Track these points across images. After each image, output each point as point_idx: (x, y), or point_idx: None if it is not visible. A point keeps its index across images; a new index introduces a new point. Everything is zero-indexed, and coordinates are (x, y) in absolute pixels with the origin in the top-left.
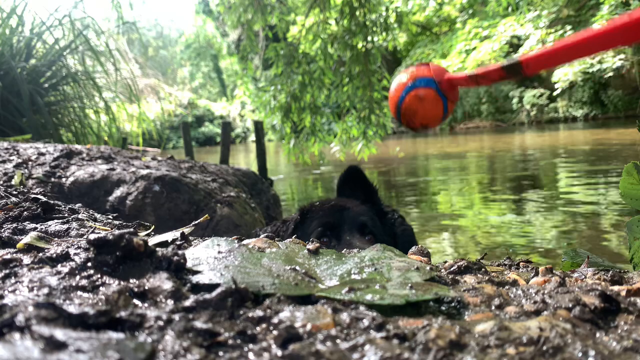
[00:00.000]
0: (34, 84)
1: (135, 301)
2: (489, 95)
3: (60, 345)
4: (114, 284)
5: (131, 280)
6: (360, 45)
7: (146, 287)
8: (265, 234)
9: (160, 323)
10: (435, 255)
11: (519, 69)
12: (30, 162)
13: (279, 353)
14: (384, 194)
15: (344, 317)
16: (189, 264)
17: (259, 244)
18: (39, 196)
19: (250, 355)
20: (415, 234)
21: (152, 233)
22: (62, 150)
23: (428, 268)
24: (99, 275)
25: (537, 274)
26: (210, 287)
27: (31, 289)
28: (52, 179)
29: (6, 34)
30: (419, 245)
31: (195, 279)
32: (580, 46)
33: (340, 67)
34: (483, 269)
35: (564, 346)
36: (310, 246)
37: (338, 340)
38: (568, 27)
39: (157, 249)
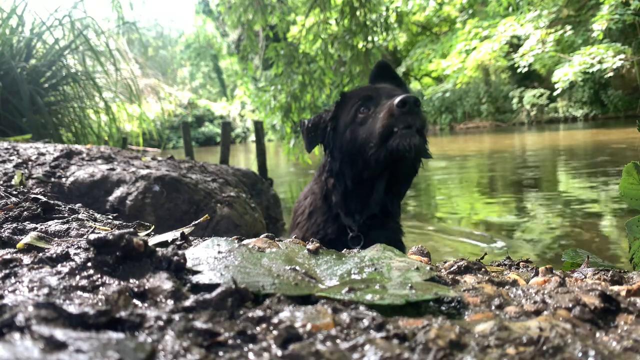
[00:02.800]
0: (34, 84)
1: (135, 301)
2: (489, 95)
3: (60, 345)
4: (114, 284)
5: (131, 280)
6: (360, 45)
7: (146, 287)
8: (265, 234)
9: (160, 323)
10: (435, 255)
11: None
12: (30, 162)
13: (279, 353)
14: None
15: (344, 317)
16: (189, 264)
17: (259, 244)
18: (39, 196)
19: (250, 355)
20: (415, 233)
21: (152, 233)
22: (62, 150)
23: (428, 268)
24: (99, 275)
25: (537, 274)
26: (210, 287)
27: (31, 289)
28: (52, 179)
29: (6, 34)
30: (419, 245)
31: (195, 279)
32: None
33: (341, 67)
34: (483, 269)
35: (564, 346)
36: (310, 246)
37: (338, 340)
38: (568, 27)
39: (157, 249)
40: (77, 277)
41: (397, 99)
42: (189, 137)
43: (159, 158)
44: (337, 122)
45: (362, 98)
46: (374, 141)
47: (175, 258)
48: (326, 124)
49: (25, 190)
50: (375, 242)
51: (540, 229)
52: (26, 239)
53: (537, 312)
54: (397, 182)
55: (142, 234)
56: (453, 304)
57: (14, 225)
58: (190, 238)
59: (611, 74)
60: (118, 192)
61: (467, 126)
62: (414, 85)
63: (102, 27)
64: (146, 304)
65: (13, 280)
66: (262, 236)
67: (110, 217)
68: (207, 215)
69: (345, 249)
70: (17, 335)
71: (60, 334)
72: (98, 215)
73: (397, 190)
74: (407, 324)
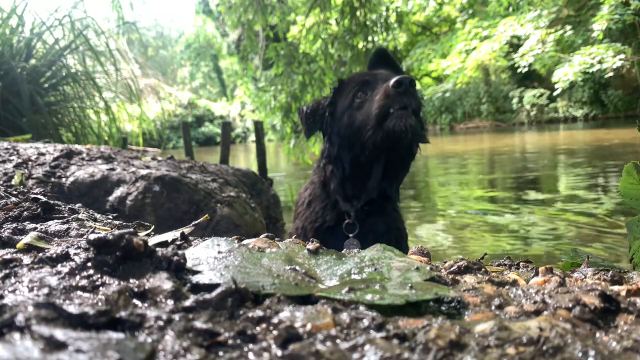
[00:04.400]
0: (34, 84)
1: (135, 301)
2: (489, 95)
3: (60, 345)
4: (114, 284)
5: (131, 280)
6: (360, 45)
7: (146, 287)
8: (265, 234)
9: (160, 323)
10: (435, 255)
11: None
12: (30, 162)
13: (279, 353)
14: None
15: (344, 317)
16: (189, 264)
17: (259, 244)
18: (39, 196)
19: (250, 355)
20: (415, 233)
21: (152, 233)
22: (62, 150)
23: (428, 268)
24: (99, 275)
25: (537, 274)
26: (210, 287)
27: (31, 289)
28: (52, 179)
29: (6, 34)
30: (419, 245)
31: (195, 279)
32: None
33: (341, 67)
34: (483, 269)
35: (564, 346)
36: (310, 246)
37: (338, 340)
38: (568, 27)
39: (157, 249)
40: (77, 277)
41: (393, 80)
42: (189, 137)
43: (159, 158)
44: (335, 108)
45: (359, 83)
46: (370, 123)
47: (175, 258)
48: (324, 109)
49: (25, 190)
50: (374, 228)
51: (541, 229)
52: (26, 239)
53: (537, 312)
54: (394, 166)
55: (142, 234)
56: (453, 304)
57: (14, 225)
58: (190, 238)
59: (611, 74)
60: (118, 192)
61: (467, 126)
62: None
63: (102, 27)
64: (146, 304)
65: (13, 280)
66: (262, 236)
67: (110, 217)
68: (207, 215)
69: (344, 250)
70: (17, 335)
71: (60, 334)
72: (98, 215)
73: (394, 174)
74: (407, 324)
